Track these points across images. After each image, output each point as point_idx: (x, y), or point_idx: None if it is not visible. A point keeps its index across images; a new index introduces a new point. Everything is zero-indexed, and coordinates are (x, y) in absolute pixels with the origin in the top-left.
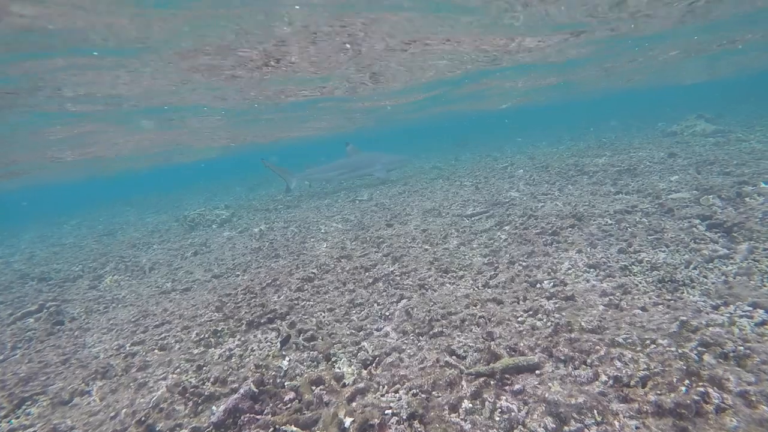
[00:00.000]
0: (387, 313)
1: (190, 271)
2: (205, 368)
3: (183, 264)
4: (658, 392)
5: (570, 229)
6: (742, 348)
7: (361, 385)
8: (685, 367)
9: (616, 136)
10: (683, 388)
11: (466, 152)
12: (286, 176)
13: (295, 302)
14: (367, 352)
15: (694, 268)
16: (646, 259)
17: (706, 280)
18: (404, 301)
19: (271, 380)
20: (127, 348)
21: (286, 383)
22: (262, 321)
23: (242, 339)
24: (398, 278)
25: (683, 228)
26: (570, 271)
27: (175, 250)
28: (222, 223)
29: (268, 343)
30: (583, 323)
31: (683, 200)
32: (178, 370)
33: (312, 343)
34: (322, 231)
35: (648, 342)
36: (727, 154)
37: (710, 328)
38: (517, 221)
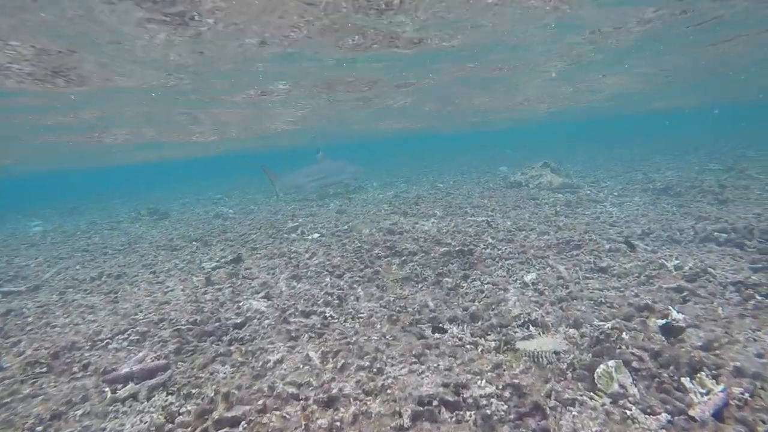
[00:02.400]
0: None
1: None
2: None
3: None
4: None
5: None
6: None
7: None
8: None
9: (455, 182)
10: None
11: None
12: (276, 182)
13: None
14: None
15: None
16: None
17: None
18: None
19: None
20: None
21: None
22: None
23: None
24: None
25: None
26: None
27: None
28: None
29: None
30: None
31: (560, 358)
32: None
33: None
34: None
35: None
36: (587, 224)
37: None
38: None
